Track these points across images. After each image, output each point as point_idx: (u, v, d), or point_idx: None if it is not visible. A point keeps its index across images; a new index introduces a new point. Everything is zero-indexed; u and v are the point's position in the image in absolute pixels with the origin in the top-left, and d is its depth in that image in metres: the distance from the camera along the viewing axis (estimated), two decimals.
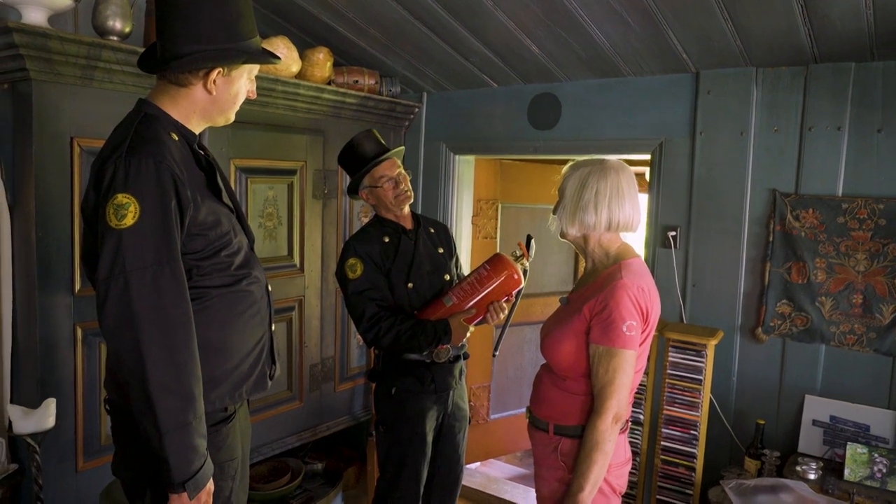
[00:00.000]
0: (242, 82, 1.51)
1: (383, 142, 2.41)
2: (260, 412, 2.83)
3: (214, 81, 1.44)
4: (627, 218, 1.72)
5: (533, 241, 2.32)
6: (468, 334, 2.28)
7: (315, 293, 3.08)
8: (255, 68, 1.54)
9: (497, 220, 3.79)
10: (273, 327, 1.63)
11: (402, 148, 2.50)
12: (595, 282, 1.72)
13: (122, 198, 1.29)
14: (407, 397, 2.31)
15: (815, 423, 2.46)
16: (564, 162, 4.19)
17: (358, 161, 2.35)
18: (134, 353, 1.26)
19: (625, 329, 1.61)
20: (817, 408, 2.46)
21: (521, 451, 4.15)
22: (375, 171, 2.33)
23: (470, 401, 3.80)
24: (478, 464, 3.94)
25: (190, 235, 1.40)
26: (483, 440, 3.91)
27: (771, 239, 2.52)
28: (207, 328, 1.43)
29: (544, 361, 1.85)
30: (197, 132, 1.52)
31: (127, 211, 1.29)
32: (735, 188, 2.60)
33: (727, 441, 2.64)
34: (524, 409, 4.18)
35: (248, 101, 1.57)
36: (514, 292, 2.28)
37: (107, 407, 1.51)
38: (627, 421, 1.76)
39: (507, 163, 3.81)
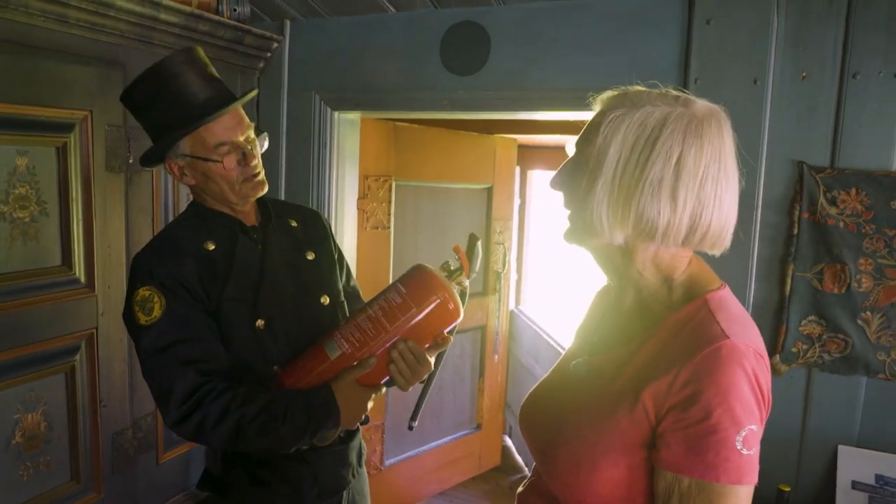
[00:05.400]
0: None
1: (217, 75, 1.37)
2: None
3: None
4: (724, 221, 0.88)
5: (479, 245, 1.41)
6: (371, 404, 1.33)
7: (116, 321, 1.95)
8: None
9: (391, 203, 2.83)
10: None
11: (255, 91, 1.47)
12: (658, 335, 0.85)
13: None
14: None
15: (855, 485, 1.79)
16: (488, 123, 3.19)
17: (171, 105, 1.29)
18: None
19: (739, 444, 0.78)
20: (857, 464, 1.79)
21: (422, 501, 3.27)
22: (208, 133, 1.28)
23: None
24: None
25: None
26: (378, 494, 2.96)
27: (796, 231, 1.80)
28: None
29: (531, 474, 0.97)
30: None
31: None
32: (744, 159, 1.84)
33: None
34: (425, 448, 3.37)
35: None
36: (446, 331, 1.35)
37: None
38: None
39: (403, 126, 2.84)
